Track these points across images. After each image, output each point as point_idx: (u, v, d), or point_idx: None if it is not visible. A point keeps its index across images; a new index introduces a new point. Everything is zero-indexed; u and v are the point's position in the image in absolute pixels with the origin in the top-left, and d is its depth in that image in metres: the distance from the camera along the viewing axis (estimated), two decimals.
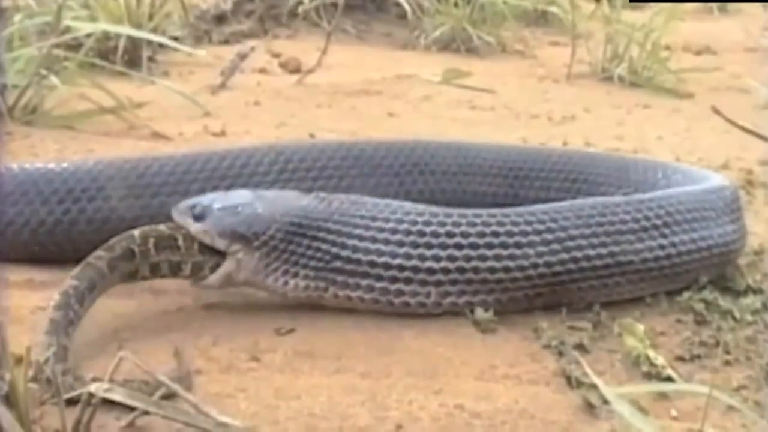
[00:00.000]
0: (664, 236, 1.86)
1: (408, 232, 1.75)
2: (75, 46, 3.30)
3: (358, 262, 1.74)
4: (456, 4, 4.51)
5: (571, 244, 1.79)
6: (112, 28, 3.48)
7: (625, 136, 3.21)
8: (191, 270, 1.74)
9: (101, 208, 1.97)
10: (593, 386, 1.50)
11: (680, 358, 1.70)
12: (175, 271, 1.73)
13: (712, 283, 1.92)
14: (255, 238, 1.74)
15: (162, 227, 1.74)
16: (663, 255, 1.85)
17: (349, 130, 3.03)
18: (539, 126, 3.33)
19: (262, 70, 3.88)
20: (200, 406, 1.39)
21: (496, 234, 1.76)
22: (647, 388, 1.57)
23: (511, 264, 1.76)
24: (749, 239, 2.09)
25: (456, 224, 1.76)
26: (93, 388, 1.36)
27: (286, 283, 1.74)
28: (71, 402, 1.36)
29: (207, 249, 1.74)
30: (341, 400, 1.50)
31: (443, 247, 1.74)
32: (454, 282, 1.75)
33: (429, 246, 1.74)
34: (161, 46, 3.65)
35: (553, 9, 5.01)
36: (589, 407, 1.52)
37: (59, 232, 1.95)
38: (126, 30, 3.49)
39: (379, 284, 1.74)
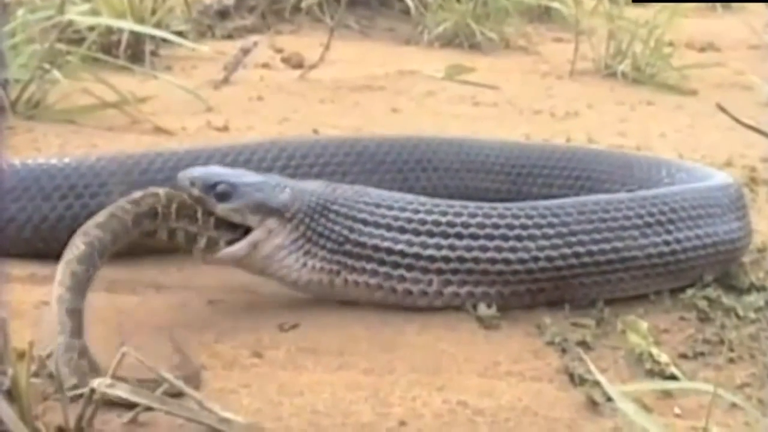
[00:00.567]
0: (669, 232, 1.86)
1: (410, 220, 1.76)
2: (78, 40, 3.31)
3: (365, 245, 1.75)
4: (459, 0, 4.51)
5: (573, 239, 1.79)
6: (115, 23, 3.48)
7: (628, 133, 3.21)
8: (206, 244, 1.71)
9: (103, 204, 1.96)
10: (596, 383, 1.50)
11: (683, 356, 1.70)
12: (190, 241, 1.70)
13: (715, 281, 1.92)
14: (286, 209, 1.74)
15: (184, 195, 1.71)
16: (667, 251, 1.85)
17: (352, 126, 3.03)
18: (542, 122, 3.33)
19: (265, 66, 3.88)
20: (203, 402, 1.39)
21: (497, 226, 1.76)
22: (651, 386, 1.57)
23: (512, 256, 1.76)
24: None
25: (458, 214, 1.77)
26: (96, 383, 1.36)
27: (304, 264, 1.74)
28: (76, 397, 1.36)
29: (222, 225, 1.72)
30: (344, 397, 1.50)
31: (445, 235, 1.75)
32: (455, 271, 1.75)
33: (431, 234, 1.75)
34: (164, 40, 3.64)
35: (556, 5, 5.00)
36: (593, 404, 1.52)
37: (61, 228, 1.95)
38: (129, 24, 3.48)
39: (382, 269, 1.74)
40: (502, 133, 2.92)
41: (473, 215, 1.77)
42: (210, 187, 1.72)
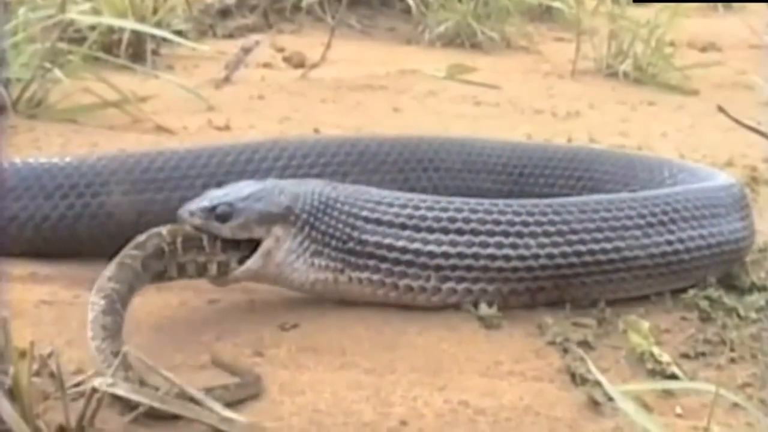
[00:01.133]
0: (671, 233, 1.86)
1: (411, 216, 1.76)
2: (79, 39, 3.31)
3: (367, 243, 1.75)
4: (460, 0, 4.51)
5: (574, 238, 1.79)
6: (116, 22, 3.48)
7: (629, 133, 3.21)
8: (217, 269, 1.71)
9: (104, 204, 1.97)
10: (598, 383, 1.50)
11: (685, 356, 1.70)
12: (201, 271, 1.70)
13: (717, 281, 1.92)
14: (290, 213, 1.74)
15: (186, 227, 1.71)
16: (670, 251, 1.85)
17: (353, 125, 3.03)
18: (544, 122, 3.33)
19: (266, 65, 3.88)
20: (205, 401, 1.39)
21: (497, 222, 1.76)
22: (652, 386, 1.57)
23: (511, 253, 1.76)
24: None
25: (458, 210, 1.77)
26: (96, 382, 1.36)
27: (312, 263, 1.74)
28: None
29: (229, 246, 1.72)
30: (345, 396, 1.50)
31: (444, 231, 1.75)
32: (453, 267, 1.75)
33: (430, 230, 1.75)
34: (165, 40, 3.64)
35: (557, 4, 5.00)
36: (594, 404, 1.51)
37: (63, 227, 1.95)
38: (130, 24, 3.49)
39: (384, 265, 1.75)
40: (504, 133, 2.91)
41: (474, 210, 1.77)
42: (209, 211, 1.72)
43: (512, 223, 1.77)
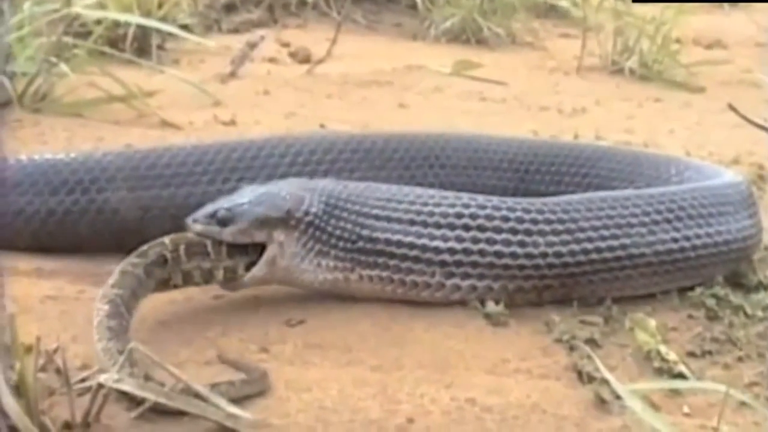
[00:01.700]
0: (678, 230, 1.85)
1: (419, 212, 1.76)
2: (84, 33, 3.31)
3: (376, 240, 1.74)
4: None
5: (581, 235, 1.78)
6: (122, 17, 3.47)
7: (635, 130, 3.20)
8: (224, 275, 1.71)
9: (109, 200, 1.96)
10: (605, 381, 1.50)
11: (692, 354, 1.69)
12: (207, 278, 1.70)
13: (723, 279, 1.91)
14: (290, 216, 1.73)
15: (189, 234, 1.70)
16: (677, 249, 1.84)
17: (359, 121, 3.02)
18: (549, 118, 3.32)
19: (272, 60, 3.87)
20: (210, 397, 1.38)
21: (505, 219, 1.76)
22: (660, 386, 1.56)
23: (518, 250, 1.75)
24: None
25: (466, 206, 1.76)
26: (102, 378, 1.35)
27: (319, 264, 1.74)
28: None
29: (236, 251, 1.72)
30: (352, 393, 1.49)
31: (451, 227, 1.74)
32: (458, 263, 1.75)
33: (437, 226, 1.74)
34: (171, 34, 3.63)
35: (563, 1, 4.99)
36: (601, 402, 1.51)
37: (68, 223, 1.95)
38: (135, 18, 3.48)
39: (392, 261, 1.74)
40: (509, 130, 2.90)
41: (482, 206, 1.77)
42: (210, 217, 1.72)
43: (521, 221, 1.76)
